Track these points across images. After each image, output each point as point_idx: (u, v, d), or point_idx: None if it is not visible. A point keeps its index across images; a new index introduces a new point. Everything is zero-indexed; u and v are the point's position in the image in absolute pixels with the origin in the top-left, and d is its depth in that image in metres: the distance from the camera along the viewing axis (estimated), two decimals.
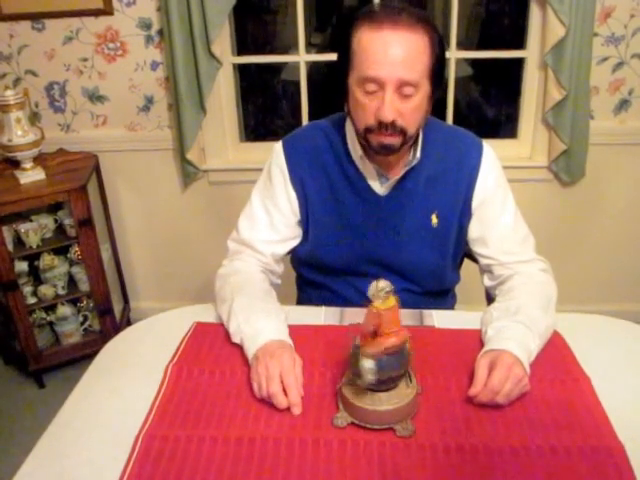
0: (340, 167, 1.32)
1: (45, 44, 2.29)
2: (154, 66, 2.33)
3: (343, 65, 1.18)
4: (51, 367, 2.41)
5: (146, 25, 2.26)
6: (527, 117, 2.39)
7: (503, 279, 1.33)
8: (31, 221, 2.24)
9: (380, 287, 0.92)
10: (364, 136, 1.20)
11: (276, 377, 1.03)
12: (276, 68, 3.21)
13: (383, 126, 1.15)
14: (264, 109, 3.29)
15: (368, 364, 0.94)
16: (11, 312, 2.22)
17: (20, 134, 2.13)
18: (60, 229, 2.33)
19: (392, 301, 0.93)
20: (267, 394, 1.03)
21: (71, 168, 2.29)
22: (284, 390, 1.03)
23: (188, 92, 2.26)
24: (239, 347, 1.17)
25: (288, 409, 1.02)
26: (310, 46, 3.37)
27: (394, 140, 1.18)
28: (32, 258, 2.30)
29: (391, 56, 1.11)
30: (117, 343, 1.28)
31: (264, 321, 1.16)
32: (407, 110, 1.15)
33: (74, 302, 2.43)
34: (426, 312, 1.32)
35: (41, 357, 2.37)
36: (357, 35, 1.14)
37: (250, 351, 1.12)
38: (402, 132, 1.17)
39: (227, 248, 1.41)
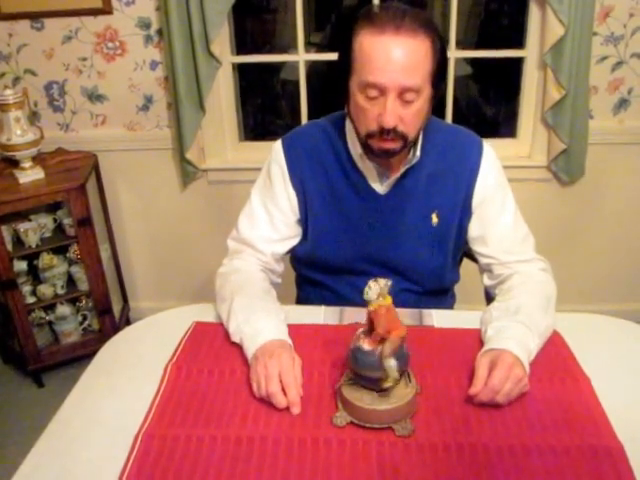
0: (340, 165, 1.32)
1: (44, 43, 2.29)
2: (153, 66, 2.33)
3: (344, 67, 1.17)
4: (50, 366, 2.40)
5: (145, 24, 2.26)
6: (526, 116, 2.39)
7: (503, 278, 1.33)
8: (30, 220, 2.24)
9: (380, 286, 0.93)
10: (365, 141, 1.20)
11: (275, 376, 1.03)
12: (275, 67, 3.20)
13: (385, 132, 1.15)
14: (263, 108, 3.29)
15: (392, 363, 0.95)
16: (10, 311, 2.22)
17: (19, 133, 2.13)
18: (59, 228, 2.33)
19: (389, 299, 0.95)
20: (266, 393, 1.03)
21: (70, 167, 2.28)
22: (283, 390, 1.03)
23: (187, 92, 2.26)
24: (238, 346, 1.17)
25: (287, 408, 1.02)
26: (309, 45, 3.36)
27: (395, 145, 1.18)
28: (31, 257, 2.30)
29: (393, 62, 1.10)
30: (116, 343, 1.28)
31: (264, 321, 1.16)
32: (408, 115, 1.15)
33: (73, 301, 2.43)
34: (425, 312, 1.32)
35: (40, 356, 2.36)
36: (358, 38, 1.13)
37: (250, 351, 1.12)
38: (403, 137, 1.17)
39: (227, 247, 1.41)
